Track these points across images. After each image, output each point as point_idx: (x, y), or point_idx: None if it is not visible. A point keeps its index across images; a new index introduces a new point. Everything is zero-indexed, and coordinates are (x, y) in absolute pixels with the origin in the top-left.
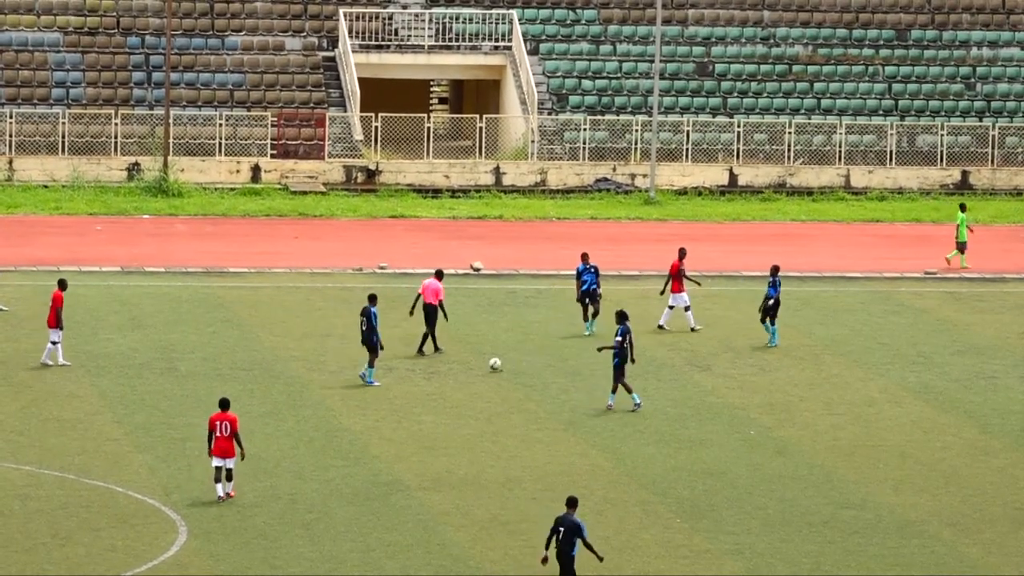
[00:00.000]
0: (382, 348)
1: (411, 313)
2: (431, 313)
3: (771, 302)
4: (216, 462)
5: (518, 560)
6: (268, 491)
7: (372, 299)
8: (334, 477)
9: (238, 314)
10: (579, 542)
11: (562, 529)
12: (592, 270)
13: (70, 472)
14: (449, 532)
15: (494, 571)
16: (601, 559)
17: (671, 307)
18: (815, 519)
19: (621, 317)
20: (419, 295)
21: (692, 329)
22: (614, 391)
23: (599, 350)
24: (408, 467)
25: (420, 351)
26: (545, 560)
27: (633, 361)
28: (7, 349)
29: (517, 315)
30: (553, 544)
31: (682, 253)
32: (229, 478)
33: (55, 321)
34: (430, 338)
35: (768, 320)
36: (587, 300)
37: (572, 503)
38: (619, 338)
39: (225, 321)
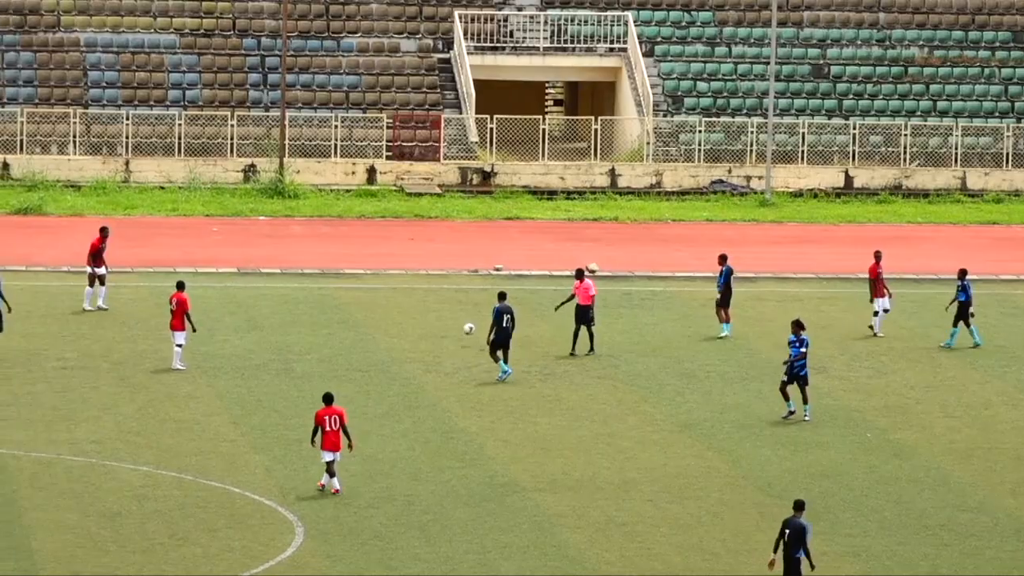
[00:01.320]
0: None
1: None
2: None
3: (961, 304)
4: (327, 456)
5: (634, 562)
6: (384, 492)
7: (506, 296)
8: (450, 478)
9: (354, 315)
10: (804, 546)
11: (788, 531)
12: (722, 272)
13: (187, 473)
14: (565, 534)
15: (610, 572)
16: (813, 567)
17: (877, 312)
18: (932, 522)
19: (799, 326)
20: (573, 295)
21: (874, 334)
22: (805, 400)
23: (784, 364)
24: (524, 468)
25: (591, 349)
26: (772, 564)
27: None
28: (124, 350)
29: (632, 317)
30: (781, 548)
31: (878, 256)
32: (332, 473)
33: (182, 324)
34: (578, 336)
35: (963, 322)
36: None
37: (799, 506)
38: (804, 349)
39: (341, 322)
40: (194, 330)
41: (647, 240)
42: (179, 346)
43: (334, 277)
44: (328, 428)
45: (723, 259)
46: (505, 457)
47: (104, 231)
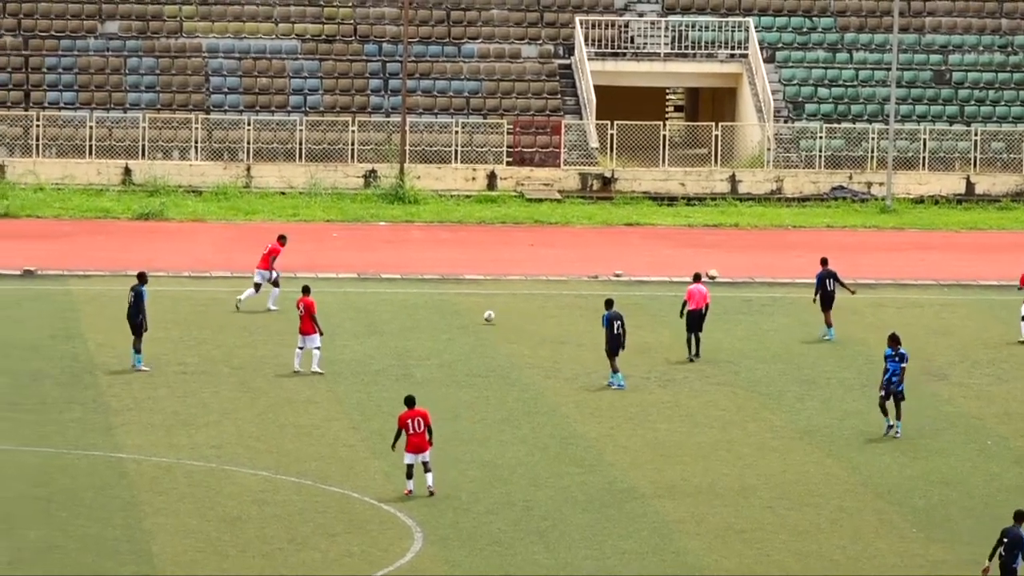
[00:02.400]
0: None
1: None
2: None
3: None
4: (409, 459)
5: (752, 568)
6: (503, 498)
7: (613, 303)
8: (569, 484)
9: (473, 321)
10: (1021, 556)
11: (1006, 541)
12: (818, 275)
13: (307, 478)
14: (684, 540)
15: None
16: None
17: None
18: None
19: (895, 341)
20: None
21: (1021, 341)
22: (899, 417)
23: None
24: (643, 474)
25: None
26: (987, 571)
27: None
28: (244, 355)
29: (752, 323)
30: (997, 556)
31: None
32: (428, 470)
33: (312, 327)
34: (691, 341)
35: None
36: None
37: (1019, 516)
38: (904, 364)
39: (460, 328)
40: (321, 333)
41: (767, 246)
42: (317, 348)
43: (454, 283)
44: (412, 431)
45: (823, 262)
46: (624, 463)
47: (283, 239)
